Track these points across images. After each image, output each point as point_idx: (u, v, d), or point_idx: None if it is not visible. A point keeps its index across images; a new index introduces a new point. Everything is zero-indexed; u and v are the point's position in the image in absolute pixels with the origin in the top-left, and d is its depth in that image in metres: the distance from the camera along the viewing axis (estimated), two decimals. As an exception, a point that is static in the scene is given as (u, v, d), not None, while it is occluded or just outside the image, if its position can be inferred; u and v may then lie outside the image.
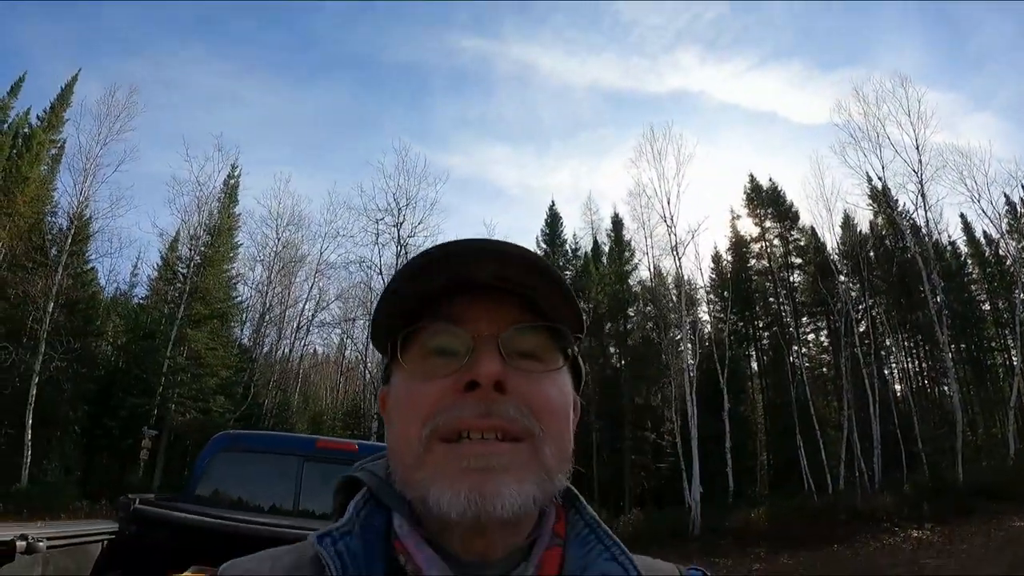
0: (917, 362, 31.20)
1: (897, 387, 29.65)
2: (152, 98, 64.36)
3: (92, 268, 27.83)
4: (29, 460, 19.73)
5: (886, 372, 28.59)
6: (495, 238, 0.58)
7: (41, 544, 2.71)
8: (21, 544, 2.59)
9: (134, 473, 22.38)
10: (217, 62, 65.08)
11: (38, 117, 29.71)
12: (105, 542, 3.39)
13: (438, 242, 0.61)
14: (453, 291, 0.60)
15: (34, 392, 20.43)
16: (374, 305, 0.65)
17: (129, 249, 55.11)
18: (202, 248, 27.44)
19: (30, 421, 20.00)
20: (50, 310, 21.62)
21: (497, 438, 0.56)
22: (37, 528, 2.88)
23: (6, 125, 29.71)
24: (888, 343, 28.82)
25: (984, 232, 29.36)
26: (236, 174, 30.20)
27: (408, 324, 0.61)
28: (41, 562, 2.81)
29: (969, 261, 30.35)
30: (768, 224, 32.41)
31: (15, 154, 27.85)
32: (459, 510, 0.53)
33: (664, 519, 20.79)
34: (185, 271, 27.03)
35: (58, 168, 28.94)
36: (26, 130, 29.20)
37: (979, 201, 24.26)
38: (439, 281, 0.59)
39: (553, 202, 36.41)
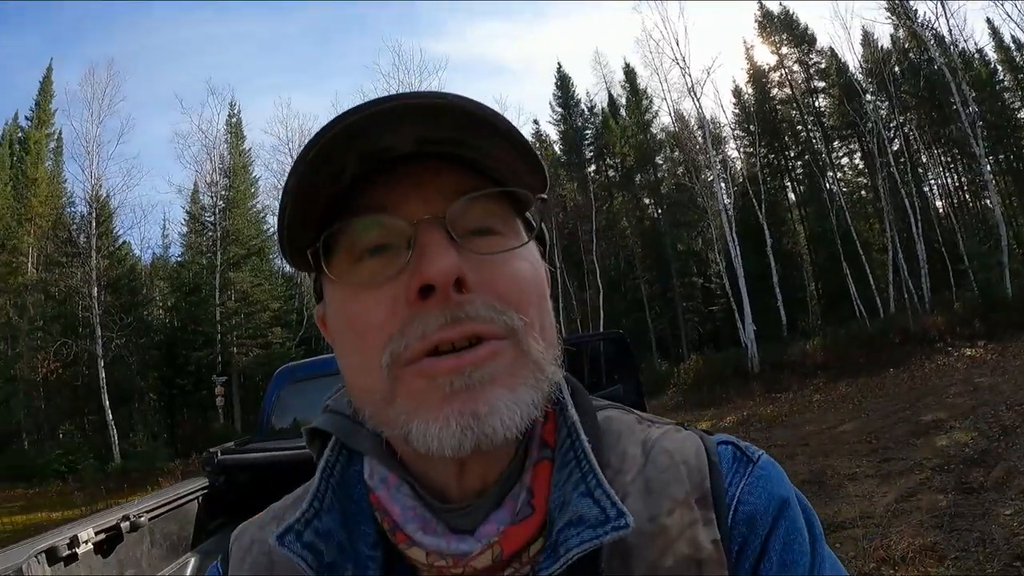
0: (956, 176, 30.08)
1: (938, 204, 29.01)
2: (136, 66, 63.47)
3: (125, 243, 28.62)
4: (116, 437, 20.89)
5: (925, 189, 27.83)
6: (419, 90, 0.42)
7: (143, 519, 2.92)
8: (125, 525, 2.79)
9: (215, 421, 23.58)
10: (193, 12, 62.73)
11: (26, 118, 29.40)
12: (200, 498, 3.61)
13: None
14: (373, 170, 0.46)
15: (103, 375, 21.33)
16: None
17: (153, 213, 56.20)
18: (222, 192, 27.73)
19: (107, 403, 21.04)
20: (95, 294, 22.12)
21: (471, 345, 0.44)
22: (135, 505, 3.06)
23: (-1, 136, 29.27)
24: (924, 159, 27.86)
25: (1012, 36, 27.32)
26: (236, 112, 30.17)
27: (324, 226, 0.47)
28: (147, 533, 3.04)
29: (1000, 68, 28.32)
30: (785, 51, 30.71)
31: (16, 160, 27.83)
32: (453, 444, 0.43)
33: (723, 360, 21.10)
34: (212, 219, 27.51)
35: (62, 160, 29.01)
36: (19, 134, 28.95)
37: (1003, 4, 22.37)
38: (351, 162, 0.45)
39: (560, 64, 35.40)
